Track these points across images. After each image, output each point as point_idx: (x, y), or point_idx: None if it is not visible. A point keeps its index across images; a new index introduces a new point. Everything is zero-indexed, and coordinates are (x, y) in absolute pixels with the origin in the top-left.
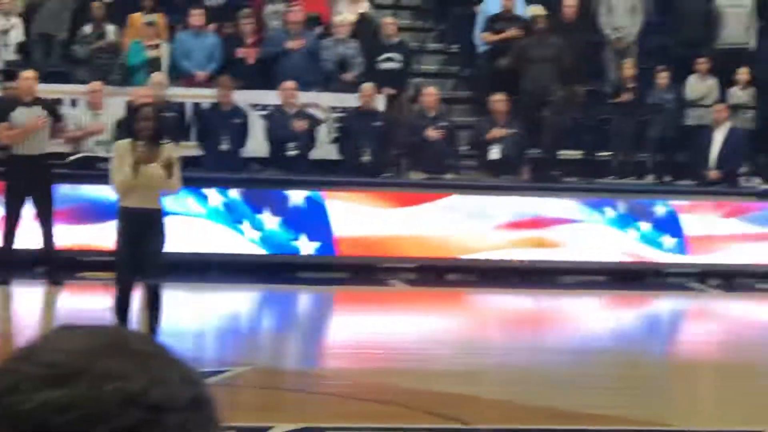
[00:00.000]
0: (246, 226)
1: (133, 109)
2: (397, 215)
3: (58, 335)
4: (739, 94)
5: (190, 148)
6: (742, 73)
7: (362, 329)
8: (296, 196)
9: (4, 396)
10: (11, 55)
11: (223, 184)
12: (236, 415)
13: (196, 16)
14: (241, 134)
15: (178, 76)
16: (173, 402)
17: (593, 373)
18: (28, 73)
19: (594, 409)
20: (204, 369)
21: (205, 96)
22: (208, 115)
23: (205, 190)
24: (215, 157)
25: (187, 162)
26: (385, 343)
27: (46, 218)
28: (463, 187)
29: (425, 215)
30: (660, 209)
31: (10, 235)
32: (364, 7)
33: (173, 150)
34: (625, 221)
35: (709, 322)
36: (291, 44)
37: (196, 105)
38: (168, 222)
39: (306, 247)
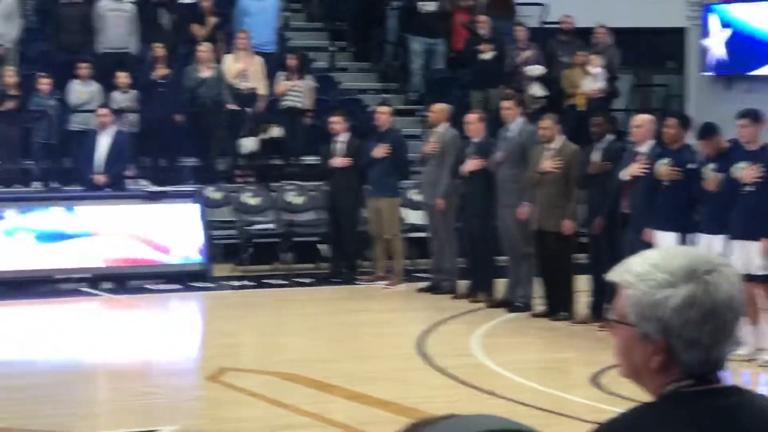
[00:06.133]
0: None
1: None
2: None
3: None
4: (120, 98)
5: None
6: (123, 77)
7: None
8: None
9: None
10: None
11: None
12: None
13: None
14: None
15: None
16: None
17: None
18: None
19: None
20: None
21: None
22: None
23: None
24: None
25: None
26: None
27: None
28: None
29: None
30: (49, 216)
31: None
32: None
33: None
34: (13, 228)
35: (101, 326)
36: None
37: None
38: None
39: None
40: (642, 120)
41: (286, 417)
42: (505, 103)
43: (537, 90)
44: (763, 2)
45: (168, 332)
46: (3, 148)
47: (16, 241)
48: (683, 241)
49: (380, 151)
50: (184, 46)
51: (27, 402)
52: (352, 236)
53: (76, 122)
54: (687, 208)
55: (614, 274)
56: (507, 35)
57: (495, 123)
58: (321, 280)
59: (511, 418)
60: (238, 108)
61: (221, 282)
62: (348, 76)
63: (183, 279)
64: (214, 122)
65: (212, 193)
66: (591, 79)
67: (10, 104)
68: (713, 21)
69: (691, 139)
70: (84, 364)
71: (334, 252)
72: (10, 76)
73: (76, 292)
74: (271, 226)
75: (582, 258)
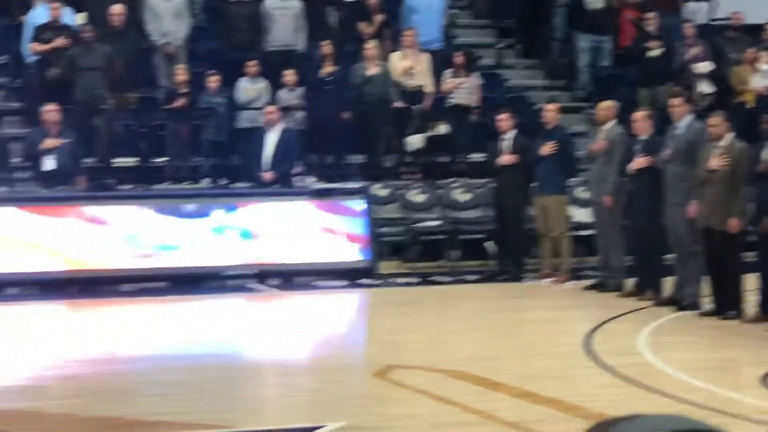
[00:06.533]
0: None
1: None
2: None
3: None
4: (287, 96)
5: None
6: (289, 75)
7: None
8: None
9: None
10: None
11: None
12: None
13: None
14: None
15: None
16: None
17: (155, 380)
18: None
19: (155, 416)
20: None
21: None
22: None
23: None
24: None
25: None
26: None
27: None
28: (16, 199)
29: None
30: (217, 212)
31: None
32: None
33: None
34: (182, 225)
35: (270, 322)
36: None
37: None
38: None
39: None
40: None
41: (453, 414)
42: (674, 101)
43: (705, 87)
44: None
45: (334, 329)
46: (173, 146)
47: (190, 237)
48: None
49: (547, 148)
50: (351, 43)
51: (193, 397)
52: (518, 234)
53: (245, 120)
54: None
55: None
56: (675, 32)
57: (663, 120)
58: (487, 278)
59: None
60: (405, 105)
61: (387, 279)
62: (515, 73)
63: (349, 276)
64: (380, 120)
65: (379, 190)
66: (760, 76)
67: (180, 102)
68: None
69: None
70: (251, 359)
71: (501, 249)
72: (180, 74)
73: (244, 288)
74: (437, 223)
75: (751, 256)
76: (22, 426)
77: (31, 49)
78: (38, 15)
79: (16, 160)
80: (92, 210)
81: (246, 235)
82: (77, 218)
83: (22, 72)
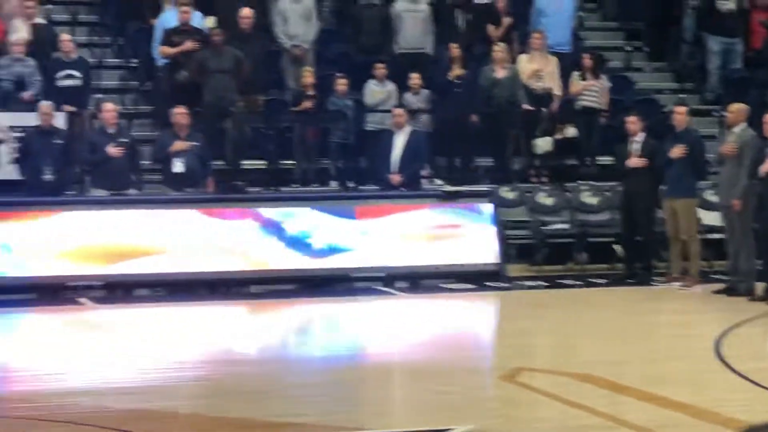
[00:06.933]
0: None
1: None
2: (82, 232)
3: None
4: (412, 99)
5: None
6: (415, 78)
7: (51, 351)
8: None
9: None
10: None
11: None
12: None
13: None
14: None
15: None
16: None
17: (287, 382)
18: None
19: (285, 417)
20: None
21: None
22: None
23: None
24: None
25: None
26: (76, 362)
27: None
28: (147, 201)
29: (111, 230)
30: (345, 214)
31: None
32: (39, 24)
33: None
34: (310, 227)
35: (396, 324)
36: None
37: None
38: None
39: None
40: None
41: (580, 418)
42: None
43: None
44: None
45: (462, 331)
46: (300, 148)
47: (312, 239)
48: None
49: (677, 151)
50: (480, 46)
51: (325, 399)
52: (647, 237)
53: (372, 122)
54: None
55: None
56: None
57: None
58: (616, 281)
59: None
60: (533, 108)
61: (515, 282)
62: (643, 75)
63: (477, 279)
64: (508, 122)
65: (507, 193)
66: None
67: (307, 104)
68: None
69: None
70: (379, 361)
71: (629, 253)
72: (308, 76)
73: (372, 291)
74: (565, 226)
75: None
76: (152, 426)
77: (160, 52)
78: (168, 18)
79: (145, 163)
80: (268, 212)
81: (372, 237)
82: (253, 220)
83: (152, 75)
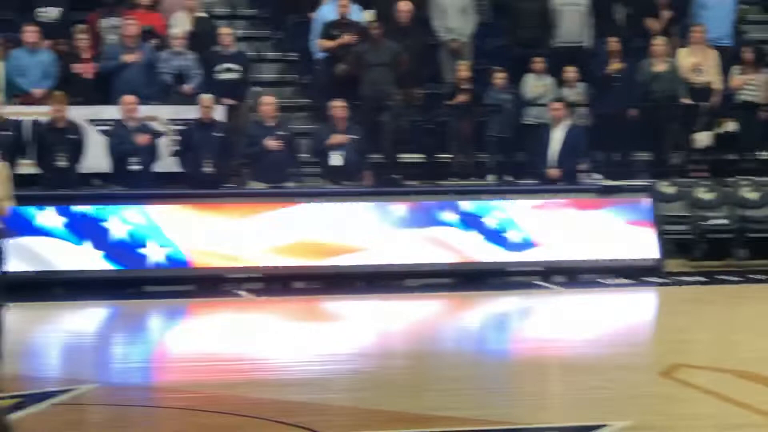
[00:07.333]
0: (90, 241)
1: None
2: (241, 225)
3: None
4: (567, 92)
5: (28, 166)
6: (571, 71)
7: (211, 341)
8: (141, 210)
9: None
10: None
11: (65, 201)
12: None
13: (31, 33)
14: (77, 150)
15: (14, 94)
16: None
17: (439, 376)
18: None
19: (440, 410)
20: (50, 389)
21: (42, 113)
22: (44, 132)
23: (46, 208)
24: (53, 175)
25: (26, 180)
26: (235, 353)
27: None
28: (305, 194)
29: (269, 224)
30: (501, 209)
31: None
32: (199, 17)
33: (5, 168)
34: (467, 222)
35: (554, 319)
36: (128, 58)
37: (34, 123)
38: (9, 242)
39: (153, 260)
40: None
41: (739, 416)
42: None
43: None
44: None
45: (620, 327)
46: (455, 141)
47: (466, 233)
48: None
49: None
50: (639, 40)
51: (477, 393)
52: None
53: (531, 116)
54: None
55: None
56: None
57: None
58: None
59: None
60: (693, 102)
61: (673, 277)
62: None
63: (635, 274)
64: (668, 117)
65: (665, 187)
66: None
67: (462, 97)
68: None
69: None
70: (534, 356)
71: None
72: (464, 70)
73: (529, 285)
74: (724, 221)
75: None
76: (308, 418)
77: (319, 46)
78: (327, 12)
79: (304, 156)
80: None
81: (531, 231)
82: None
83: (311, 68)
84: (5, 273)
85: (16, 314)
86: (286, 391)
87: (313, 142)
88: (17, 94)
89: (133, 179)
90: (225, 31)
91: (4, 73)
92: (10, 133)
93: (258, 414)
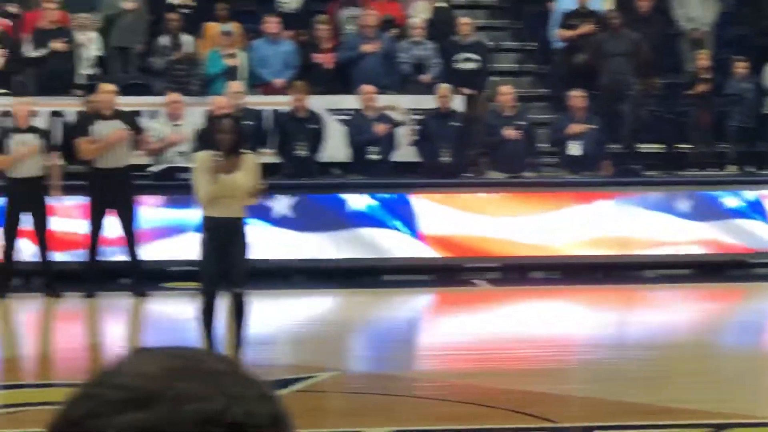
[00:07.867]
0: (330, 230)
1: (212, 120)
2: (479, 215)
3: (134, 358)
4: None
5: (269, 156)
6: None
7: (449, 330)
8: (381, 199)
9: (86, 420)
10: (89, 70)
11: (306, 190)
12: (324, 420)
13: (272, 24)
14: (317, 140)
15: (256, 83)
16: (253, 419)
17: (679, 368)
18: (107, 87)
19: (681, 403)
20: (290, 376)
21: (283, 103)
22: (285, 121)
23: (287, 197)
24: (293, 164)
25: (266, 169)
26: (473, 343)
27: (129, 230)
28: (543, 184)
29: (509, 214)
30: (743, 200)
31: (94, 248)
32: (439, 7)
33: (253, 159)
34: (708, 213)
35: None
36: (367, 48)
37: (275, 112)
38: (251, 230)
39: (390, 250)
40: None
41: None
42: None
43: None
44: None
45: None
46: (695, 131)
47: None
48: None
49: None
50: None
51: (717, 386)
52: None
53: None
54: None
55: None
56: None
57: None
58: None
59: None
60: None
61: None
62: None
63: None
64: None
65: None
66: None
67: (701, 87)
68: None
69: None
70: None
71: None
72: (704, 59)
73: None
74: None
75: None
76: (548, 408)
77: (558, 36)
78: (566, 1)
79: (542, 145)
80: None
81: None
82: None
83: (549, 58)
84: (247, 261)
85: (257, 302)
86: (526, 382)
87: (551, 132)
88: (258, 84)
89: (372, 168)
90: (464, 21)
91: (246, 63)
92: (252, 123)
93: (494, 404)
